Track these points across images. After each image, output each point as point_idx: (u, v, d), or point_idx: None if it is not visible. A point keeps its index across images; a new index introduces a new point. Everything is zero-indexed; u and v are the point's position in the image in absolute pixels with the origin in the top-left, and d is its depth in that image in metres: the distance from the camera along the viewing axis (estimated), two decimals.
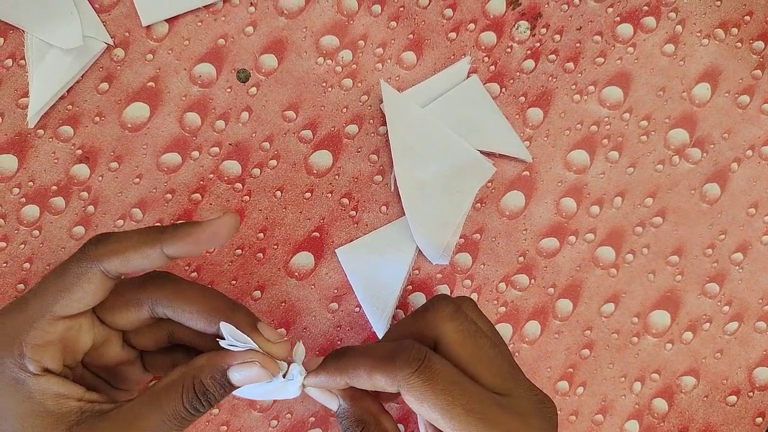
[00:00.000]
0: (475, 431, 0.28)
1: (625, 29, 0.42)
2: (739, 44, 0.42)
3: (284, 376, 0.31)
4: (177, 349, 0.35)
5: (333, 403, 0.32)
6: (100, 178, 0.40)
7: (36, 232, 0.39)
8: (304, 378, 0.31)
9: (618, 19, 0.42)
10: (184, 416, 0.29)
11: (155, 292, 0.31)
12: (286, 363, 0.32)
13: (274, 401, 0.40)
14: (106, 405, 0.29)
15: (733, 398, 0.41)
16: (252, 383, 0.30)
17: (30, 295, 0.30)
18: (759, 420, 0.41)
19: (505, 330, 0.41)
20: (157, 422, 0.28)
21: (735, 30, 0.42)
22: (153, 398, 0.29)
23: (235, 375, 0.30)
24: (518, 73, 0.41)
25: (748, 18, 0.42)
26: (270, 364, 0.30)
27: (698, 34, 0.42)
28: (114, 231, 0.32)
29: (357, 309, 0.40)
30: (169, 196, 0.40)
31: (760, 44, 0.42)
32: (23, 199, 0.39)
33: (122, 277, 0.30)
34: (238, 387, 0.30)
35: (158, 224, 0.39)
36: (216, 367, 0.30)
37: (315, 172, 0.41)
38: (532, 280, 0.41)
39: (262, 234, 0.40)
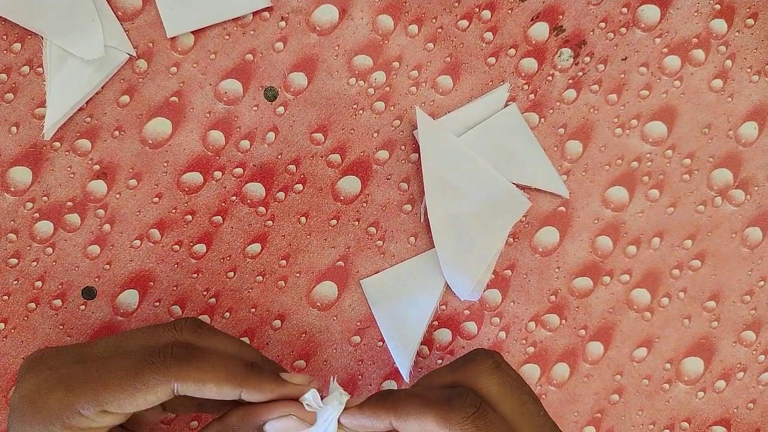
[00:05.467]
0: None
1: (673, 61, 0.40)
2: None
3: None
4: None
5: None
6: (118, 195, 0.38)
7: (49, 250, 0.37)
8: (341, 415, 0.30)
9: (666, 50, 0.40)
10: None
11: (178, 374, 0.29)
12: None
13: None
14: None
15: None
16: None
17: (81, 369, 0.28)
18: None
19: (532, 371, 0.39)
20: None
21: None
22: None
23: (271, 430, 0.29)
24: (558, 103, 0.40)
25: None
26: (306, 415, 0.29)
27: (748, 70, 0.40)
28: (204, 325, 0.31)
29: (380, 343, 0.39)
30: (189, 217, 0.38)
31: None
32: (37, 215, 0.37)
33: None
34: None
35: (244, 342, 0.33)
36: (251, 423, 0.29)
37: (342, 198, 0.39)
38: (563, 321, 0.39)
39: (284, 261, 0.38)
